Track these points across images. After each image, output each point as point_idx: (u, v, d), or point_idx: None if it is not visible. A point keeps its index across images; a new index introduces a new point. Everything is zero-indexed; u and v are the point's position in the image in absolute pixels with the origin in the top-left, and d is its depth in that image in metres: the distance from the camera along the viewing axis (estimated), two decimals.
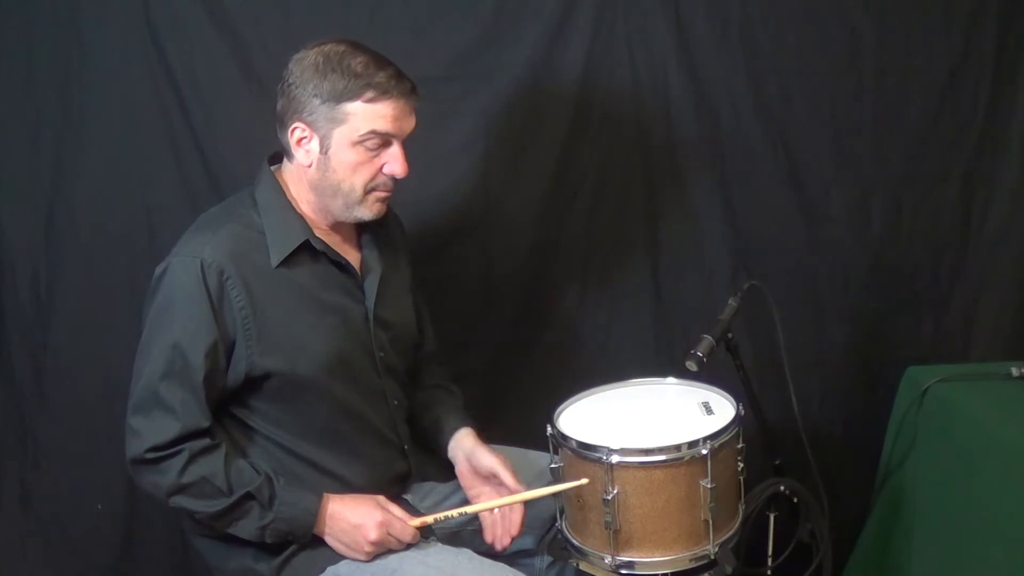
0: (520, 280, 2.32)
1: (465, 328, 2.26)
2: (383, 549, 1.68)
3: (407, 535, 1.68)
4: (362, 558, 1.68)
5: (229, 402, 1.72)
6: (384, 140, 1.68)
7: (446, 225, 2.26)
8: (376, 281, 1.81)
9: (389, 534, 1.67)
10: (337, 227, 1.79)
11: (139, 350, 1.70)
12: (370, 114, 1.65)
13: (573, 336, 2.35)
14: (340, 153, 1.68)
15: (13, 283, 2.22)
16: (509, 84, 2.21)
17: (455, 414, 1.93)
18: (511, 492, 1.77)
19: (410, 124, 1.71)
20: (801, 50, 2.25)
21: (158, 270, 1.70)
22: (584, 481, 1.69)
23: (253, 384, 1.70)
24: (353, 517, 1.67)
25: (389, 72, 1.66)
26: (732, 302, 1.97)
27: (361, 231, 1.85)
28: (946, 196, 2.33)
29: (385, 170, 1.70)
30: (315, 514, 1.67)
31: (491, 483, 1.82)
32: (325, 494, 1.69)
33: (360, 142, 1.67)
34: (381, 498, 1.72)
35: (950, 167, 2.32)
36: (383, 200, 1.74)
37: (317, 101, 1.66)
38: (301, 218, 1.74)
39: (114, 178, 2.19)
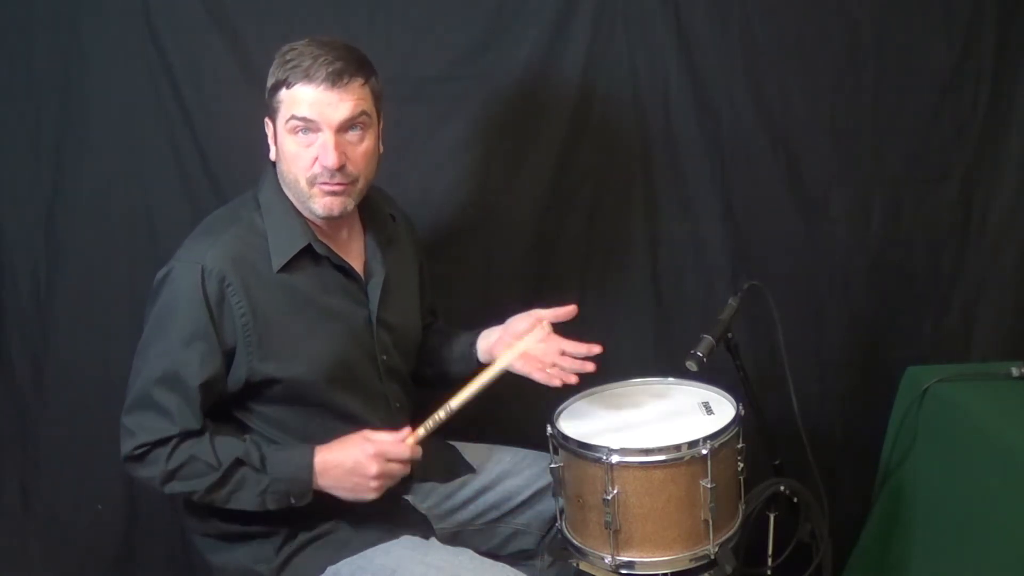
0: (520, 280, 2.32)
1: (465, 328, 2.26)
2: (390, 480, 1.66)
3: (405, 453, 1.66)
4: (372, 495, 1.66)
5: (229, 405, 1.72)
6: (310, 127, 1.65)
7: (446, 225, 2.26)
8: (379, 284, 1.81)
9: (389, 461, 1.65)
10: (339, 229, 1.79)
11: (138, 351, 1.71)
12: (290, 99, 1.65)
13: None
14: (282, 143, 1.69)
15: (13, 283, 2.23)
16: (509, 84, 2.21)
17: (466, 333, 1.95)
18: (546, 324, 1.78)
19: (337, 113, 1.64)
20: (801, 49, 2.25)
21: (160, 274, 1.70)
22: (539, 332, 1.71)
23: (253, 388, 1.70)
24: (347, 460, 1.65)
25: (321, 60, 1.63)
26: (732, 302, 1.97)
27: (365, 233, 1.84)
28: (946, 196, 2.33)
29: (319, 160, 1.66)
30: (310, 467, 1.65)
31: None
32: (314, 447, 1.68)
33: (291, 130, 1.66)
34: (366, 431, 1.69)
35: (950, 167, 2.32)
36: (333, 194, 1.69)
37: (267, 95, 1.70)
38: (303, 221, 1.74)
39: (114, 178, 2.19)
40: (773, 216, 2.32)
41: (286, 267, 1.71)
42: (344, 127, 1.66)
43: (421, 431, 1.69)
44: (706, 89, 2.25)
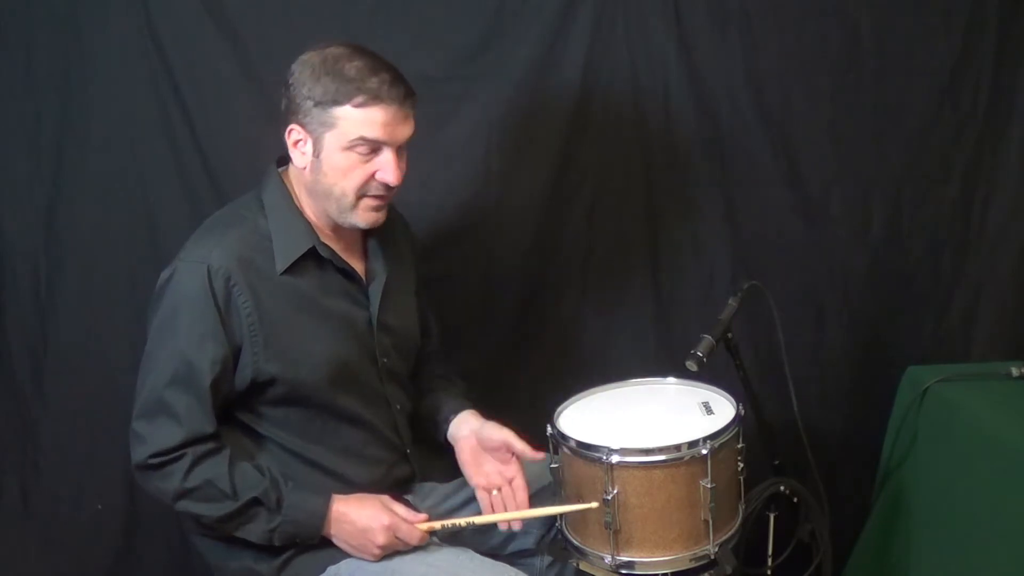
0: (520, 280, 2.32)
1: (465, 328, 2.26)
2: (390, 551, 1.68)
3: (414, 538, 1.68)
4: (372, 559, 1.68)
5: (235, 407, 1.72)
6: (374, 146, 1.65)
7: (446, 225, 2.26)
8: (381, 287, 1.81)
9: (396, 537, 1.67)
10: (342, 231, 1.78)
11: (144, 356, 1.70)
12: (359, 120, 1.63)
13: (573, 336, 2.35)
14: (331, 157, 1.66)
15: (13, 283, 2.22)
16: (509, 84, 2.21)
17: (455, 399, 1.93)
18: (521, 460, 1.77)
19: (404, 131, 1.67)
20: (801, 50, 2.25)
21: (164, 275, 1.69)
22: (594, 505, 1.69)
23: (258, 389, 1.70)
24: (360, 520, 1.67)
25: (383, 77, 1.63)
26: (732, 302, 1.97)
27: (367, 235, 1.84)
28: (946, 196, 2.33)
29: (377, 176, 1.67)
30: (323, 517, 1.67)
31: (498, 456, 1.80)
32: (332, 495, 1.70)
33: (350, 147, 1.65)
34: (386, 498, 1.72)
35: (950, 167, 2.32)
36: (376, 209, 1.71)
37: (310, 104, 1.64)
38: (307, 223, 1.74)
39: (114, 178, 2.19)
40: (773, 216, 2.32)
41: (290, 269, 1.70)
42: (403, 145, 1.69)
43: (437, 525, 1.71)
44: (706, 89, 2.25)
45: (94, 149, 2.17)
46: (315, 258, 1.73)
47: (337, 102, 1.63)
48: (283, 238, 1.71)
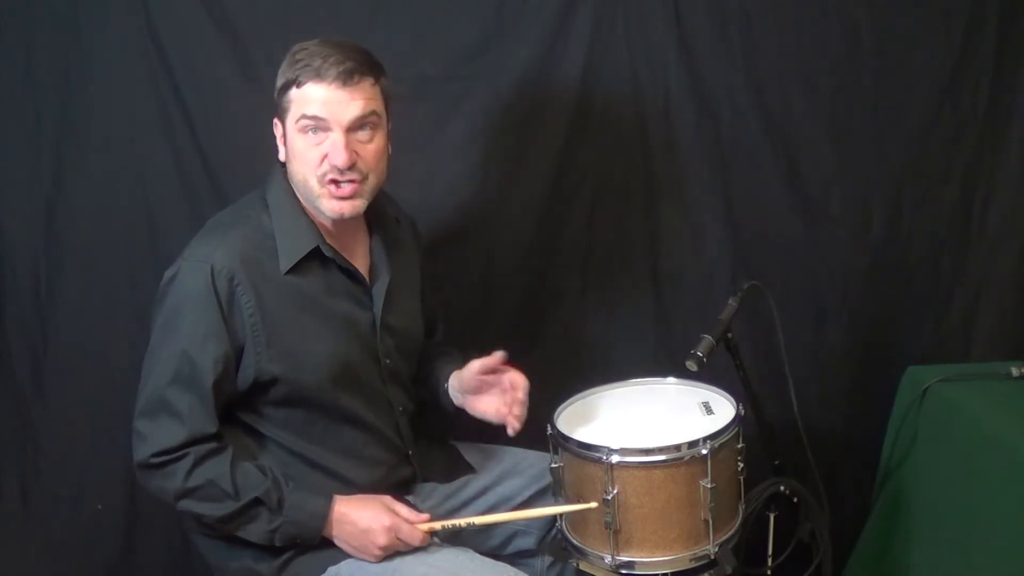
0: (520, 280, 2.32)
1: (465, 328, 2.26)
2: (391, 552, 1.68)
3: (415, 539, 1.68)
4: (373, 560, 1.68)
5: (237, 407, 1.72)
6: (320, 125, 1.65)
7: (446, 225, 2.26)
8: (384, 288, 1.81)
9: (397, 538, 1.67)
10: (346, 231, 1.78)
11: (147, 355, 1.70)
12: (301, 98, 1.65)
13: (573, 336, 2.35)
14: (293, 143, 1.69)
15: (13, 283, 2.22)
16: (509, 84, 2.21)
17: (446, 367, 1.95)
18: (495, 369, 1.81)
19: (347, 111, 1.64)
20: (801, 50, 2.25)
21: (167, 274, 1.70)
22: (593, 505, 1.69)
23: (261, 389, 1.70)
24: (361, 521, 1.67)
25: (329, 60, 1.63)
26: (732, 302, 1.97)
27: (371, 235, 1.84)
28: (946, 196, 2.33)
29: (327, 158, 1.66)
30: (324, 518, 1.67)
31: (486, 385, 1.84)
32: (334, 496, 1.70)
33: (301, 129, 1.66)
34: (388, 499, 1.72)
35: (950, 167, 2.32)
36: (339, 197, 1.68)
37: (276, 95, 1.69)
38: (311, 223, 1.74)
39: (114, 178, 2.19)
40: (773, 216, 2.32)
41: (293, 268, 1.71)
42: (354, 126, 1.67)
43: (438, 526, 1.72)
44: (706, 89, 2.25)
45: (94, 149, 2.17)
46: (319, 258, 1.74)
47: (288, 86, 1.66)
48: (287, 237, 1.72)
